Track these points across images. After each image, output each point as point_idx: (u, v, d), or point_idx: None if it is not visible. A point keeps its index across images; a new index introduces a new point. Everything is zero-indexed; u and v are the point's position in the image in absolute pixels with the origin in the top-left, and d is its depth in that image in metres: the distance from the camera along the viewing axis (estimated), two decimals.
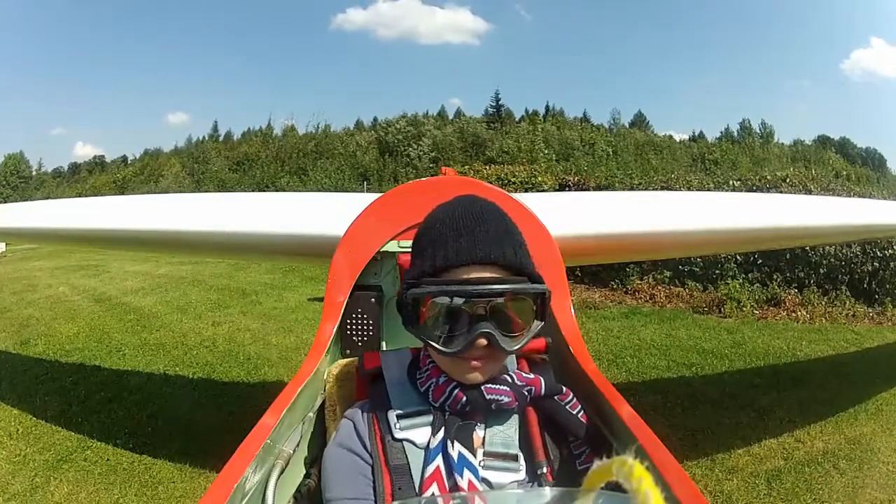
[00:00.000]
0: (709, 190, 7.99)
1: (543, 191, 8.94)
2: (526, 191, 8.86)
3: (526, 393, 0.87)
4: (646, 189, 8.48)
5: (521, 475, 0.83)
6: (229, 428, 3.20)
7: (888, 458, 2.95)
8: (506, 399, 0.85)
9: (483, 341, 0.79)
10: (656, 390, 3.96)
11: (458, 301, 0.79)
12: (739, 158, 24.71)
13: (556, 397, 0.90)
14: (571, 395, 0.92)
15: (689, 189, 8.02)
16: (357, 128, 34.66)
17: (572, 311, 1.32)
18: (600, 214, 1.80)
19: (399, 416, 0.85)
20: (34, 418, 3.66)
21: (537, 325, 0.84)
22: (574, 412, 0.90)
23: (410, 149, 26.33)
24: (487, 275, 0.80)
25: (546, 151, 23.56)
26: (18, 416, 3.70)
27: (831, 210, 2.33)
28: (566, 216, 1.65)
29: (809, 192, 7.43)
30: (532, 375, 0.90)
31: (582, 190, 8.74)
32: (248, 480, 0.83)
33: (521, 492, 0.82)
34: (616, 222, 1.81)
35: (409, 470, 0.82)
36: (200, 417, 3.63)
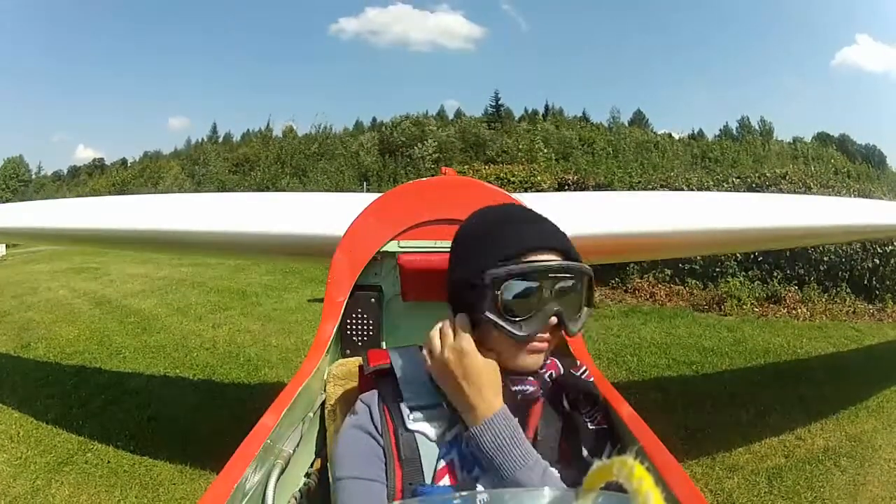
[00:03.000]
0: (709, 188, 8.01)
1: (542, 190, 8.95)
2: (525, 190, 8.89)
3: (548, 378, 0.89)
4: (646, 188, 8.50)
5: None
6: (230, 430, 3.19)
7: (889, 455, 2.96)
8: (531, 388, 0.86)
9: (554, 319, 0.81)
10: (657, 389, 3.97)
11: (534, 283, 0.81)
12: (740, 156, 24.56)
13: (571, 370, 0.93)
14: (583, 366, 0.95)
15: (689, 187, 8.04)
16: (356, 129, 34.56)
17: None
18: (601, 215, 1.80)
19: (411, 409, 0.86)
20: (35, 421, 3.67)
21: (587, 311, 0.87)
22: (590, 381, 0.93)
23: (415, 149, 26.20)
24: (555, 258, 0.84)
25: (545, 151, 23.50)
26: (19, 419, 3.70)
27: (832, 210, 2.32)
28: (566, 217, 1.64)
29: (809, 188, 7.46)
30: (548, 360, 0.91)
31: (581, 189, 8.76)
32: (248, 480, 0.83)
33: (522, 491, 0.83)
34: (617, 223, 1.80)
35: (420, 462, 0.83)
36: (201, 419, 3.63)
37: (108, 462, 3.12)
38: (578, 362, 0.94)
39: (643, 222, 1.83)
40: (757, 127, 30.01)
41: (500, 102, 33.94)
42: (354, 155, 28.19)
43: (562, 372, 0.91)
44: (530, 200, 1.46)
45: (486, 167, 10.69)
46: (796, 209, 2.16)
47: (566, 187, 8.95)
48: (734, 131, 30.01)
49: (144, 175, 35.70)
